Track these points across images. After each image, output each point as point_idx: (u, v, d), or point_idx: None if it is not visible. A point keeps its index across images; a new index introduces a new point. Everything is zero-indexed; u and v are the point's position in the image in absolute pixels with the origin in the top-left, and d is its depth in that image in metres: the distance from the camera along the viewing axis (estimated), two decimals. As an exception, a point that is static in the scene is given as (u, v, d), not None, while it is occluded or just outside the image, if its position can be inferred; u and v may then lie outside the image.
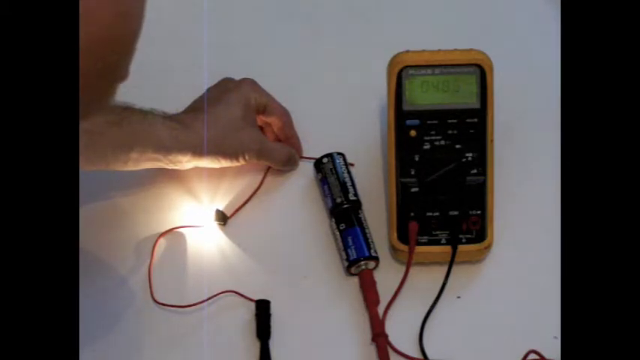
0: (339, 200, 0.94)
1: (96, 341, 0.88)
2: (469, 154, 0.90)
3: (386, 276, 0.91)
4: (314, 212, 0.96)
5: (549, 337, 0.86)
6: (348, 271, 0.91)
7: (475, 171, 0.90)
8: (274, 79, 1.00)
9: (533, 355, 0.85)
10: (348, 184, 0.94)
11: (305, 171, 0.99)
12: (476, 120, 0.90)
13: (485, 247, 0.91)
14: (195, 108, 0.96)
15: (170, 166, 0.93)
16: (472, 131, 0.90)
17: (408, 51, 0.90)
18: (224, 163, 0.94)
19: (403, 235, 0.90)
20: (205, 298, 0.90)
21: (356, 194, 0.94)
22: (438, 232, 0.91)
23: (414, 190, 0.90)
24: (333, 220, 0.93)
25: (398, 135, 0.90)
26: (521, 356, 0.85)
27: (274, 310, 0.89)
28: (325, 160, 0.97)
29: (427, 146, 0.90)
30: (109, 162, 0.91)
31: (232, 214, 0.96)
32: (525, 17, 1.10)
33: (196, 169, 0.95)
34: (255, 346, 0.88)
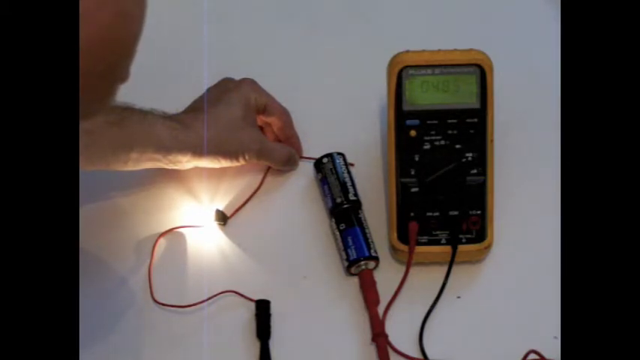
0: (339, 200, 0.94)
1: (96, 341, 0.88)
2: (469, 154, 0.90)
3: (386, 276, 0.91)
4: (314, 212, 0.96)
5: (549, 337, 0.86)
6: (348, 271, 0.91)
7: (475, 171, 0.90)
8: (274, 79, 1.00)
9: (533, 355, 0.85)
10: (348, 184, 0.95)
11: (305, 171, 0.99)
12: (476, 120, 0.90)
13: (485, 247, 0.91)
14: (195, 108, 0.96)
15: (170, 166, 0.94)
16: (472, 131, 0.90)
17: (408, 51, 0.90)
18: (224, 163, 0.94)
19: (403, 235, 0.90)
20: (205, 298, 0.90)
21: (356, 194, 0.94)
22: (438, 232, 0.91)
23: (414, 190, 0.90)
24: (333, 220, 0.93)
25: (398, 135, 0.90)
26: (521, 356, 0.85)
27: (274, 310, 0.89)
28: (325, 160, 0.97)
29: (427, 146, 0.90)
30: (109, 162, 0.91)
31: (232, 214, 0.96)
32: (525, 17, 1.10)
33: (196, 169, 0.95)
34: (255, 346, 0.88)
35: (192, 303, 0.90)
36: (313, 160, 0.98)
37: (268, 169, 0.98)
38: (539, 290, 0.90)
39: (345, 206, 0.93)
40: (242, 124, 0.94)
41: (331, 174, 0.95)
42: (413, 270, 0.90)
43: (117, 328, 0.89)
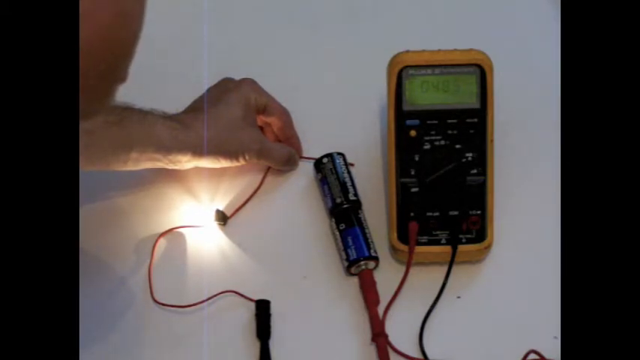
0: (339, 200, 0.94)
1: (96, 341, 0.88)
2: (469, 154, 0.90)
3: (386, 276, 0.91)
4: (314, 212, 0.96)
5: (549, 337, 0.86)
6: (348, 271, 0.91)
7: (475, 171, 0.90)
8: (274, 79, 1.00)
9: (533, 355, 0.85)
10: (348, 184, 0.95)
11: (305, 171, 0.99)
12: (476, 120, 0.90)
13: (485, 247, 0.91)
14: (195, 108, 0.96)
15: (170, 166, 0.93)
16: (472, 131, 0.90)
17: (408, 51, 0.90)
18: (224, 163, 0.94)
19: (403, 235, 0.90)
20: (205, 298, 0.90)
21: (356, 194, 0.94)
22: (438, 232, 0.91)
23: (414, 190, 0.90)
24: (333, 220, 0.93)
25: (398, 135, 0.90)
26: (521, 356, 0.85)
27: (274, 310, 0.89)
28: (325, 160, 0.97)
29: (427, 146, 0.90)
30: (109, 162, 0.91)
31: (232, 214, 0.96)
32: (525, 17, 1.10)
33: (196, 169, 0.95)
34: (255, 346, 0.88)
35: (192, 303, 0.90)
36: (313, 160, 0.98)
37: (268, 169, 0.98)
38: (539, 290, 0.90)
39: (345, 206, 0.93)
40: (242, 124, 0.94)
41: (331, 174, 0.95)
42: (413, 270, 0.90)
43: (117, 328, 0.89)
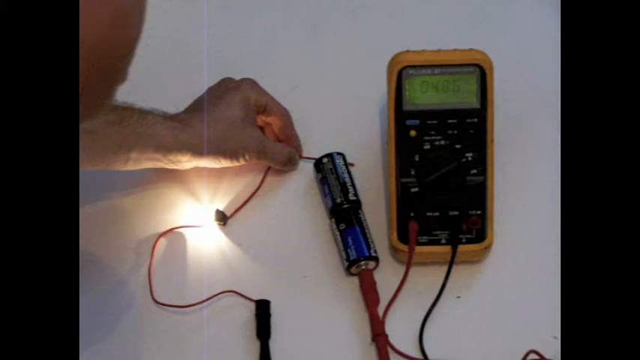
0: (339, 200, 0.94)
1: (96, 341, 0.88)
2: (469, 154, 0.90)
3: (386, 276, 0.91)
4: (314, 212, 0.96)
5: (549, 337, 0.86)
6: (348, 271, 0.91)
7: (475, 171, 0.90)
8: (274, 79, 1.00)
9: (533, 355, 0.85)
10: (348, 184, 0.95)
11: (305, 171, 0.99)
12: (476, 120, 0.90)
13: (485, 247, 0.91)
14: (196, 108, 0.96)
15: (170, 166, 0.94)
16: (472, 131, 0.90)
17: (408, 51, 0.90)
18: (224, 163, 0.94)
19: (403, 235, 0.90)
20: (205, 298, 0.90)
21: (356, 194, 0.94)
22: (438, 232, 0.91)
23: (414, 190, 0.90)
24: (333, 220, 0.93)
25: (398, 135, 0.90)
26: (521, 356, 0.85)
27: (274, 310, 0.89)
28: (325, 160, 0.97)
29: (427, 146, 0.90)
30: (109, 162, 0.91)
31: (232, 214, 0.96)
32: (525, 17, 1.10)
33: (196, 169, 0.95)
34: (255, 346, 0.88)
35: (192, 303, 0.90)
36: (313, 160, 0.98)
37: (268, 169, 0.98)
38: (539, 290, 0.90)
39: (345, 206, 0.93)
40: (242, 124, 0.94)
41: (331, 174, 0.95)
42: (413, 270, 0.90)
43: (117, 328, 0.89)
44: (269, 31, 1.10)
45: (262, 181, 0.98)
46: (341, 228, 0.92)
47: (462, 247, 0.90)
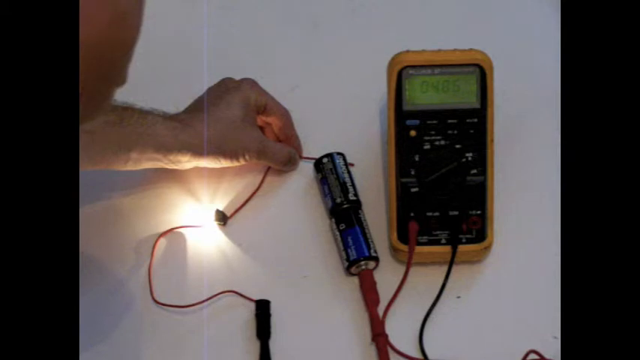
0: (339, 200, 0.94)
1: (96, 341, 0.88)
2: (469, 154, 0.90)
3: (386, 276, 0.91)
4: (314, 212, 0.96)
5: (549, 337, 0.86)
6: (348, 271, 0.91)
7: (475, 171, 0.90)
8: (274, 79, 1.00)
9: (533, 355, 0.85)
10: (348, 184, 0.95)
11: (305, 171, 0.99)
12: (476, 120, 0.90)
13: (486, 247, 0.91)
14: (196, 108, 0.96)
15: (170, 166, 0.94)
16: (472, 131, 0.90)
17: (408, 51, 0.90)
18: (224, 163, 0.94)
19: (403, 235, 0.90)
20: (205, 298, 0.90)
21: (356, 194, 0.94)
22: (438, 232, 0.91)
23: (414, 190, 0.90)
24: (333, 220, 0.93)
25: (398, 135, 0.90)
26: (521, 356, 0.85)
27: (274, 310, 0.89)
28: (325, 160, 0.97)
29: (427, 146, 0.90)
30: (109, 162, 0.91)
31: (232, 214, 0.96)
32: (525, 17, 1.10)
33: (196, 169, 0.95)
34: (255, 346, 0.88)
35: (192, 303, 0.90)
36: (313, 160, 0.98)
37: (268, 169, 0.98)
38: (539, 290, 0.90)
39: (345, 206, 0.93)
40: (242, 124, 0.94)
41: (331, 174, 0.95)
42: (413, 270, 0.90)
43: (117, 328, 0.89)
44: (269, 31, 1.10)
45: (262, 181, 0.98)
46: (341, 228, 0.92)
47: (462, 247, 0.90)
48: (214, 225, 0.95)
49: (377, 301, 0.89)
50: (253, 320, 0.89)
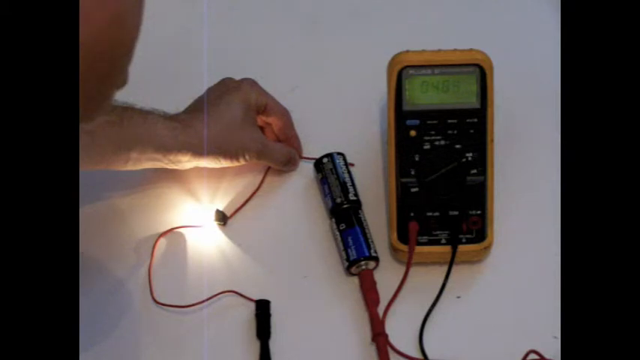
0: (339, 200, 0.94)
1: (96, 341, 0.88)
2: (469, 154, 0.90)
3: (386, 276, 0.91)
4: (314, 212, 0.96)
5: (549, 337, 0.86)
6: (348, 271, 0.91)
7: (475, 171, 0.90)
8: (274, 79, 1.00)
9: (533, 355, 0.85)
10: (348, 184, 0.95)
11: (305, 171, 0.99)
12: (476, 120, 0.90)
13: (485, 247, 0.91)
14: (196, 108, 0.96)
15: (170, 166, 0.94)
16: (472, 131, 0.90)
17: (408, 51, 0.90)
18: (224, 163, 0.94)
19: (403, 235, 0.90)
20: (205, 298, 0.90)
21: (356, 194, 0.94)
22: (438, 232, 0.91)
23: (414, 190, 0.90)
24: (333, 220, 0.93)
25: (398, 135, 0.90)
26: (521, 356, 0.85)
27: (274, 310, 0.89)
28: (325, 160, 0.97)
29: (427, 146, 0.90)
30: (109, 162, 0.91)
31: (232, 214, 0.96)
32: (525, 17, 1.10)
33: (196, 169, 0.95)
34: (255, 346, 0.88)
35: (192, 303, 0.90)
36: (313, 160, 0.98)
37: (268, 169, 0.98)
38: (539, 290, 0.90)
39: (345, 206, 0.93)
40: (242, 124, 0.94)
41: (331, 174, 0.95)
42: (413, 270, 0.90)
43: (117, 328, 0.89)
44: (269, 31, 1.10)
45: (262, 181, 0.98)
46: (341, 228, 0.92)
47: (462, 247, 0.90)
48: (214, 225, 0.95)
49: (377, 301, 0.89)
50: (253, 320, 0.89)
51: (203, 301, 0.90)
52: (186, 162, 0.93)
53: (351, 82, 1.04)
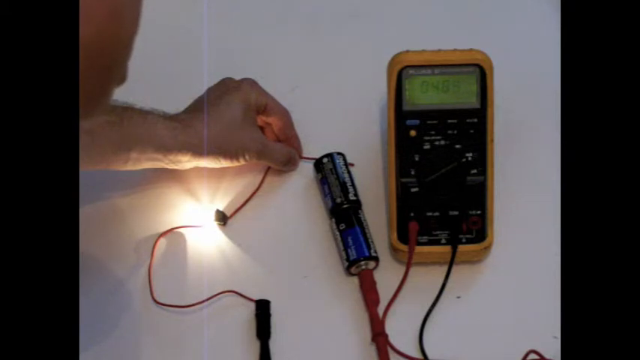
0: (339, 200, 0.94)
1: (96, 341, 0.88)
2: (469, 154, 0.90)
3: (386, 276, 0.91)
4: (314, 212, 0.96)
5: (549, 337, 0.86)
6: (348, 271, 0.91)
7: (475, 171, 0.90)
8: (274, 79, 1.00)
9: (533, 355, 0.85)
10: (348, 184, 0.95)
11: (305, 171, 0.99)
12: (476, 120, 0.90)
13: (485, 247, 0.91)
14: (196, 108, 0.95)
15: (170, 166, 0.94)
16: (472, 131, 0.90)
17: (408, 51, 0.90)
18: (224, 163, 0.94)
19: (403, 235, 0.90)
20: (205, 298, 0.90)
21: (356, 194, 0.94)
22: (438, 232, 0.91)
23: (414, 190, 0.90)
24: (333, 220, 0.93)
25: (398, 135, 0.90)
26: (521, 356, 0.85)
27: (274, 310, 0.89)
28: (325, 160, 0.97)
29: (427, 146, 0.90)
30: (109, 162, 0.91)
31: (232, 214, 0.96)
32: (525, 17, 1.10)
33: (196, 169, 0.95)
34: (255, 346, 0.88)
35: (192, 303, 0.90)
36: (313, 160, 0.98)
37: (268, 169, 0.98)
38: (539, 290, 0.90)
39: (345, 206, 0.93)
40: (242, 124, 0.94)
41: (331, 174, 0.95)
42: (413, 270, 0.90)
43: (117, 328, 0.89)
44: (269, 31, 1.10)
45: (262, 181, 0.98)
46: (341, 228, 0.92)
47: (462, 247, 0.90)
48: (214, 225, 0.95)
49: (377, 301, 0.89)
50: (253, 320, 0.89)
51: (203, 301, 0.90)
52: (186, 162, 0.93)
53: (351, 82, 1.04)
